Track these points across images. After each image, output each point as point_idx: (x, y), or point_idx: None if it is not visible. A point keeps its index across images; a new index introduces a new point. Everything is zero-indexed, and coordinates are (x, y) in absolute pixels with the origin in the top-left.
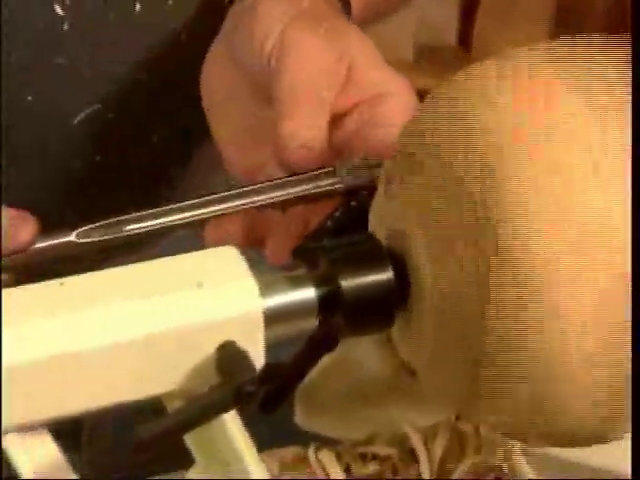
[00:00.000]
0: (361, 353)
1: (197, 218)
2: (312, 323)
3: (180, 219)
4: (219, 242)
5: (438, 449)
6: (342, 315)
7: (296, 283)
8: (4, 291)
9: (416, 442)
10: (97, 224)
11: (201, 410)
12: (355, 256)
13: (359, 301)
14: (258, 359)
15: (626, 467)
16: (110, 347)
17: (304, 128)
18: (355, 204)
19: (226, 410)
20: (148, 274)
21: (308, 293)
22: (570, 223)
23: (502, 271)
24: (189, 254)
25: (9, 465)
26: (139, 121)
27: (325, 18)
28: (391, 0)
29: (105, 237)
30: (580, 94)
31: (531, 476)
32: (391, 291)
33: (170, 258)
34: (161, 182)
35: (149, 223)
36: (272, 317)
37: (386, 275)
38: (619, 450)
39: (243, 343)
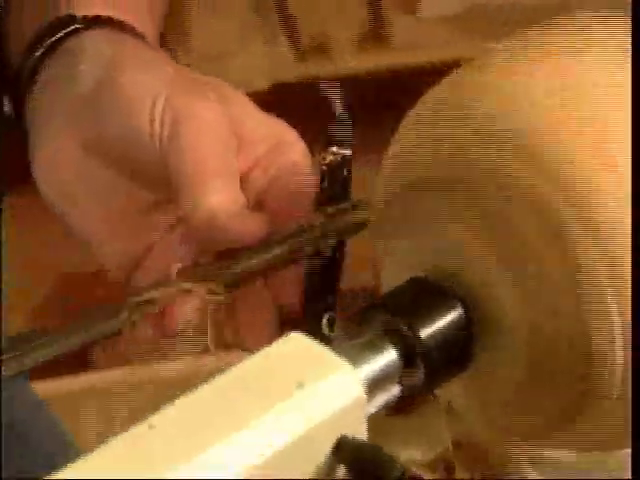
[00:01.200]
0: None
1: None
2: (396, 386)
3: None
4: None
5: None
6: (424, 366)
7: (378, 350)
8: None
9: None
10: None
11: None
12: (419, 303)
13: (440, 347)
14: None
15: None
16: None
17: (228, 201)
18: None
19: None
20: (238, 393)
21: (391, 356)
22: None
23: None
24: (256, 356)
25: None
26: None
27: (198, 79)
28: None
29: None
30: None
31: None
32: (466, 328)
33: (243, 368)
34: None
35: None
36: (370, 393)
37: (457, 313)
38: None
39: (351, 430)
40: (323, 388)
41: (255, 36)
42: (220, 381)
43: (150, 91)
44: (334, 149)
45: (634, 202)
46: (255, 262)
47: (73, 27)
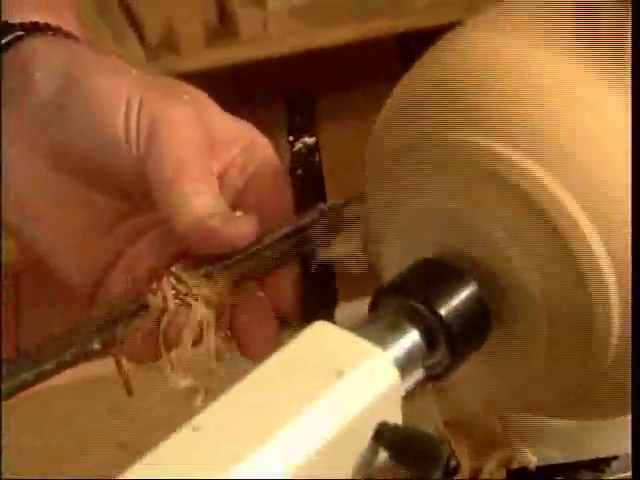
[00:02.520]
0: None
1: None
2: (420, 369)
3: None
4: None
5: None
6: (447, 344)
7: (401, 333)
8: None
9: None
10: None
11: None
12: (433, 282)
13: (460, 323)
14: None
15: None
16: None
17: (211, 204)
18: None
19: None
20: (277, 388)
21: (414, 337)
22: None
23: None
24: (287, 348)
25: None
26: None
27: (165, 81)
28: None
29: None
30: None
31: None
32: (482, 303)
33: (277, 361)
34: None
35: None
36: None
37: (472, 289)
38: None
39: (388, 415)
40: (361, 375)
41: (105, 35)
42: (257, 376)
43: (122, 95)
44: (305, 138)
45: (634, 202)
46: (250, 264)
47: (14, 35)
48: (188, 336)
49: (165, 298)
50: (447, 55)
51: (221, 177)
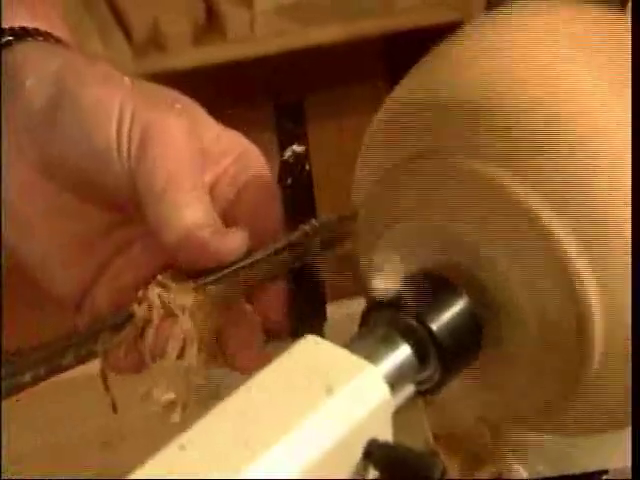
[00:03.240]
0: None
1: None
2: (410, 385)
3: None
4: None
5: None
6: (438, 359)
7: (392, 347)
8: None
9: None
10: None
11: None
12: (424, 296)
13: (452, 338)
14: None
15: None
16: None
17: (202, 217)
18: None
19: None
20: (265, 405)
21: (405, 352)
22: None
23: None
24: (277, 363)
25: None
26: None
27: (158, 91)
28: None
29: None
30: None
31: (524, 474)
32: (474, 317)
33: (266, 376)
34: None
35: None
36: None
37: (463, 302)
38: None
39: (379, 431)
40: (351, 391)
41: (91, 32)
42: (245, 392)
43: (113, 105)
44: (294, 147)
45: (634, 202)
46: (238, 278)
47: (4, 40)
48: (173, 349)
49: (150, 308)
50: (442, 70)
51: (212, 188)
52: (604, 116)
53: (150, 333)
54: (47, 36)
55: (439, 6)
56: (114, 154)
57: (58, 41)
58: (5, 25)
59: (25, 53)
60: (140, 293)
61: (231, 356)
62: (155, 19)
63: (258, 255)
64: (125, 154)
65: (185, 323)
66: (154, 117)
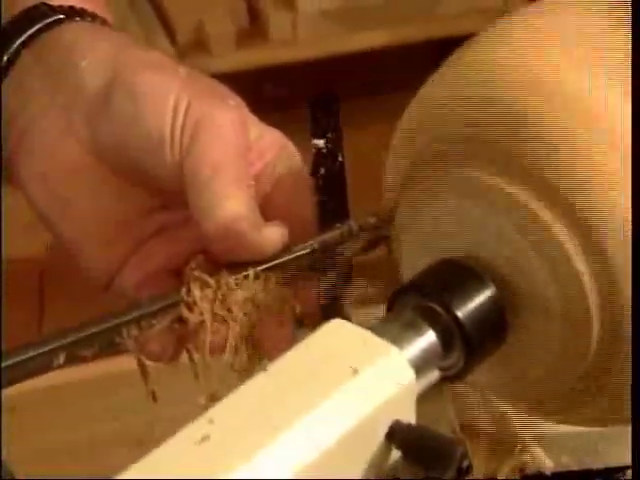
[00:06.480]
0: None
1: None
2: (435, 370)
3: None
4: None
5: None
6: (463, 345)
7: (417, 332)
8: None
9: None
10: None
11: None
12: (451, 283)
13: (477, 326)
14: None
15: None
16: None
17: (244, 209)
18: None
19: None
20: (293, 384)
21: (430, 337)
22: None
23: None
24: (304, 345)
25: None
26: None
27: (210, 82)
28: None
29: None
30: None
31: (550, 464)
32: (499, 305)
33: (293, 358)
34: None
35: None
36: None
37: (489, 291)
38: None
39: (402, 414)
40: (376, 373)
41: (135, 32)
42: (272, 372)
43: (169, 94)
44: (328, 134)
45: (634, 202)
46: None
47: (55, 17)
48: (229, 353)
49: (202, 313)
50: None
51: (255, 182)
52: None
53: (203, 338)
54: (94, 17)
55: (485, 12)
56: (167, 143)
57: (105, 23)
58: (54, 3)
59: (76, 33)
60: (183, 292)
61: (260, 340)
62: (199, 21)
63: (294, 253)
64: (177, 144)
65: (235, 328)
66: (208, 108)
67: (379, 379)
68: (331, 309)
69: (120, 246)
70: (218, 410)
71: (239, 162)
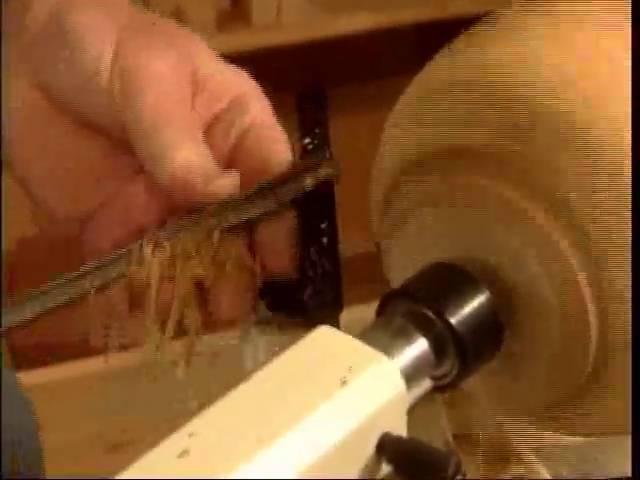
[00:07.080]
0: None
1: None
2: (427, 379)
3: None
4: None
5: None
6: (457, 354)
7: (408, 340)
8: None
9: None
10: None
11: None
12: (444, 288)
13: (471, 333)
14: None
15: None
16: None
17: (195, 154)
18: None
19: None
20: (279, 394)
21: (422, 345)
22: None
23: None
24: (290, 353)
25: None
26: None
27: (155, 27)
28: None
29: None
30: None
31: (547, 476)
32: (496, 313)
33: (280, 366)
34: None
35: None
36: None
37: (485, 297)
38: None
39: (392, 426)
40: (365, 383)
41: None
42: (257, 381)
43: (99, 35)
44: (316, 130)
45: (634, 202)
46: (231, 217)
47: None
48: (174, 313)
49: (148, 273)
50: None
51: (209, 129)
52: None
53: (150, 296)
54: None
55: None
56: (96, 86)
57: None
58: None
59: None
60: (136, 248)
61: (215, 303)
62: (178, 5)
63: (243, 194)
64: (113, 93)
65: (184, 287)
66: (136, 50)
67: (368, 390)
68: (318, 313)
69: (89, 190)
70: (198, 422)
71: (181, 107)
